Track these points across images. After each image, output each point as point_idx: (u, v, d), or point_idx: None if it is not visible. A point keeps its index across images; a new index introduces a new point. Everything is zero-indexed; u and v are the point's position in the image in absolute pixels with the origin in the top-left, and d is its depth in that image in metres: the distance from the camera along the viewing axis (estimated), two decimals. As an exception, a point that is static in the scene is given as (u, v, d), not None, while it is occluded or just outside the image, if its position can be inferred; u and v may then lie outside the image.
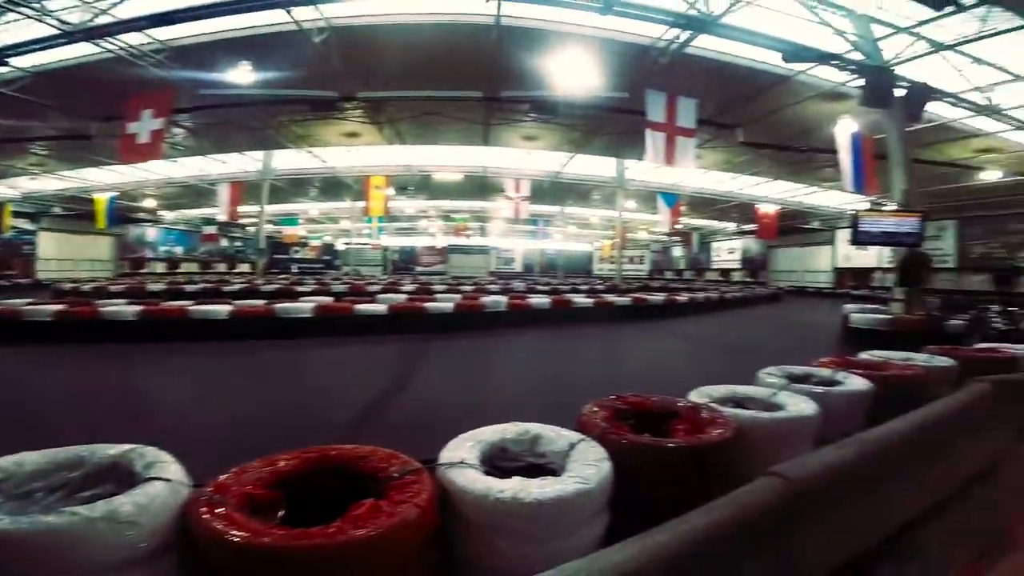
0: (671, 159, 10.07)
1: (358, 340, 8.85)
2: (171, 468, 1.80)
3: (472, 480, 1.87)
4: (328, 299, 11.43)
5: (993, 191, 18.89)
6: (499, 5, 8.55)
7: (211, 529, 1.55)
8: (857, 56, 9.28)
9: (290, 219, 29.18)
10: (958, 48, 9.20)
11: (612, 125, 14.16)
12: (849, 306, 10.70)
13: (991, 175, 16.36)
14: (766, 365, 3.64)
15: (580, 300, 12.99)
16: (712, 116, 12.41)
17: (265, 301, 10.34)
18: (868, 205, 13.92)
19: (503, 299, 11.84)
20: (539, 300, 12.43)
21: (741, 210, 27.11)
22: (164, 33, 9.53)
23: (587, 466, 1.95)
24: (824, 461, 1.85)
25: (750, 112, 12.78)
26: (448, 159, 21.11)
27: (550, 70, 10.77)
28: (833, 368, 3.30)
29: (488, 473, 2.00)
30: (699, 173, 20.98)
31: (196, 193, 24.44)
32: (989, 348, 4.42)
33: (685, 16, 8.16)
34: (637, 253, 42.20)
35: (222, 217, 19.87)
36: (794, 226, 29.03)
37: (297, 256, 37.42)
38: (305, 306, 9.59)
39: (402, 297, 12.79)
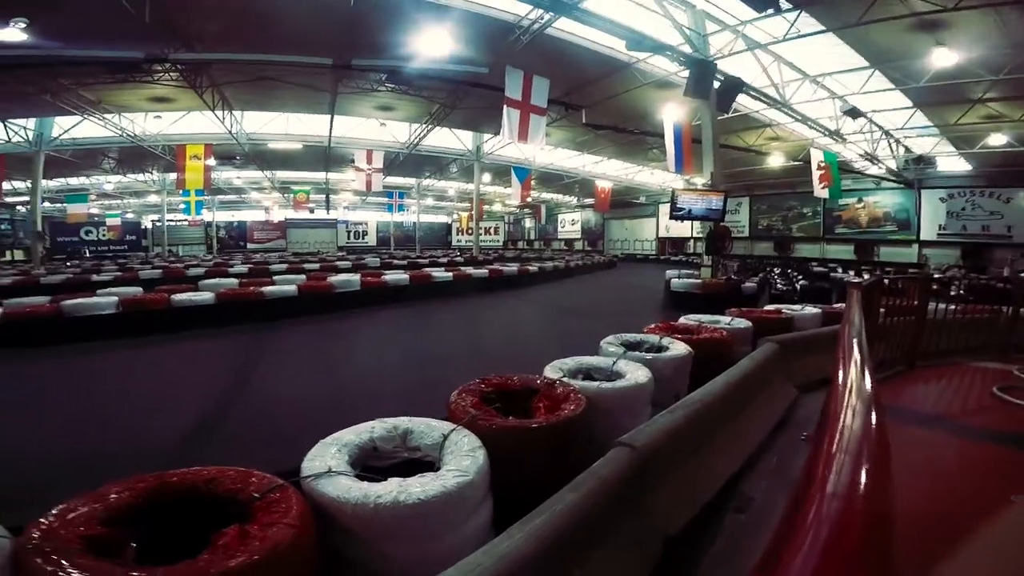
0: (524, 135, 10.43)
1: (182, 336, 7.60)
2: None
3: (345, 488, 1.78)
4: (135, 290, 9.53)
5: (776, 173, 23.49)
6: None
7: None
8: (687, 49, 10.41)
9: (78, 196, 23.58)
10: (769, 47, 10.91)
11: (471, 99, 14.10)
12: (670, 272, 12.53)
13: (776, 159, 20.16)
14: (607, 326, 4.10)
15: (440, 274, 12.95)
16: (560, 96, 13.04)
17: (49, 298, 8.26)
18: (682, 184, 16.30)
19: (355, 277, 11.16)
20: (396, 277, 11.99)
21: (582, 186, 29.53)
22: None
23: (463, 457, 2.02)
24: (660, 428, 2.20)
25: (594, 95, 13.81)
26: (286, 128, 19.02)
27: (410, 40, 10.26)
28: (659, 334, 3.89)
29: (362, 477, 1.94)
30: (547, 149, 22.18)
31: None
32: (774, 310, 5.61)
33: None
34: (493, 224, 43.43)
35: (-23, 197, 15.29)
36: (625, 200, 32.70)
37: (91, 238, 30.61)
38: (106, 300, 7.89)
39: (233, 282, 11.23)
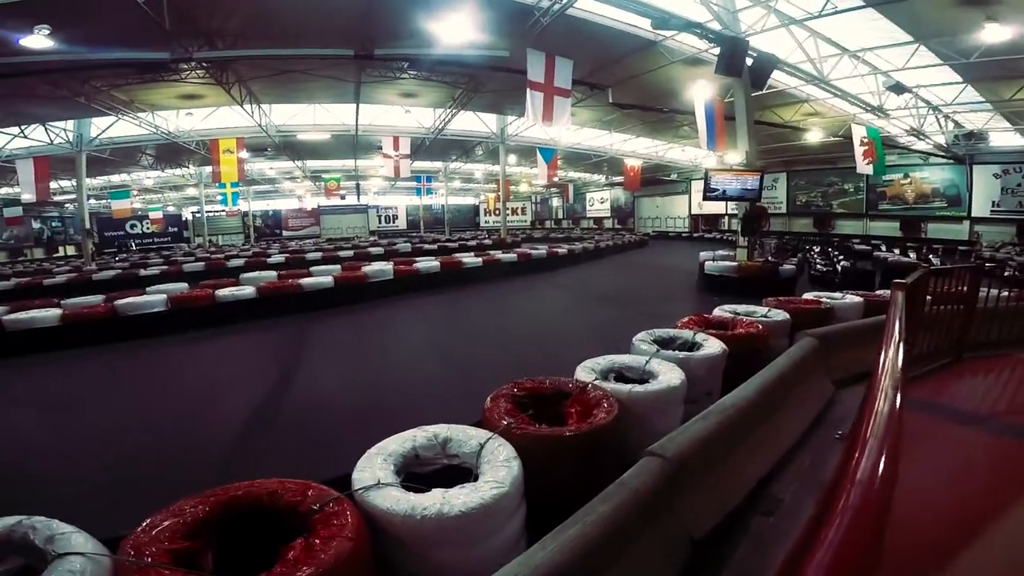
0: (549, 118, 10.26)
1: (228, 331, 7.95)
2: (77, 539, 1.61)
3: (395, 500, 1.90)
4: (181, 286, 9.97)
5: (815, 149, 22.47)
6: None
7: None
8: (716, 26, 9.99)
9: (121, 192, 24.67)
10: (805, 23, 10.38)
11: (494, 83, 13.92)
12: (704, 254, 12.25)
13: (814, 135, 19.26)
14: (639, 313, 4.04)
15: (469, 260, 13.02)
16: (584, 77, 12.76)
17: (103, 297, 8.70)
18: (715, 160, 15.78)
19: (388, 267, 11.27)
20: (427, 264, 12.08)
21: (610, 164, 28.89)
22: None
23: (499, 467, 2.11)
24: (692, 435, 2.23)
25: (619, 74, 13.40)
26: (313, 118, 19.29)
27: (429, 27, 10.16)
28: (693, 329, 3.87)
29: (406, 486, 2.05)
30: (573, 129, 21.77)
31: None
32: (813, 299, 5.44)
33: None
34: (519, 204, 43.20)
35: (28, 197, 16.18)
36: (655, 178, 31.89)
37: (136, 232, 32.07)
38: (156, 299, 8.27)
39: (272, 275, 11.27)
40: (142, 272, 14.49)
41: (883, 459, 1.07)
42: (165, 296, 8.39)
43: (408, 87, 15.29)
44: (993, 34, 9.72)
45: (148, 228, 32.75)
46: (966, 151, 20.59)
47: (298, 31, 10.35)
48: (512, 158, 26.38)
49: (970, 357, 4.54)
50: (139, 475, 3.42)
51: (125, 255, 24.71)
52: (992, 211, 21.11)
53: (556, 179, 28.27)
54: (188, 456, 3.72)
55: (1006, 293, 4.82)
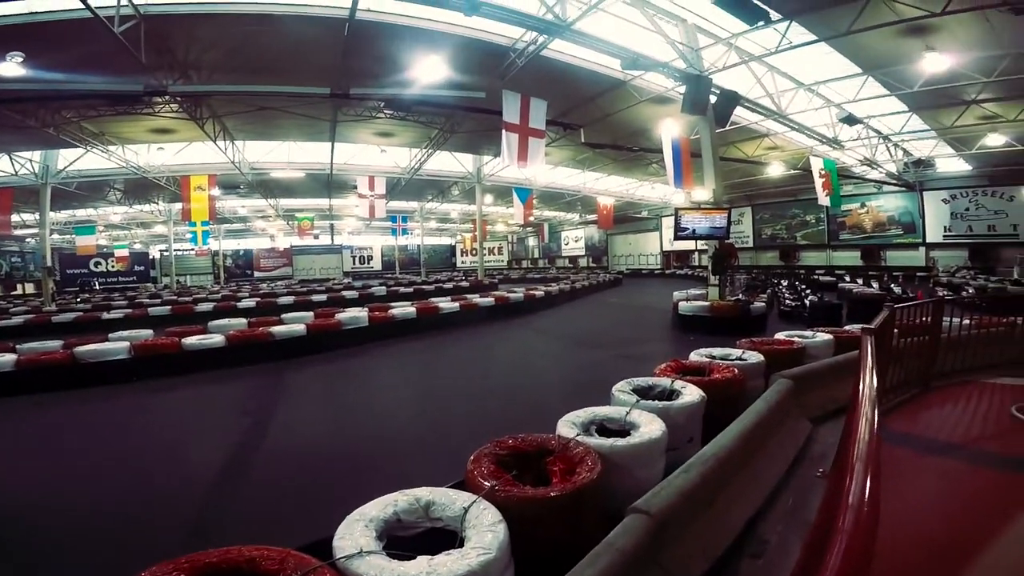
0: (524, 159, 10.44)
1: (194, 380, 7.61)
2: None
3: (379, 569, 1.82)
4: (146, 332, 9.59)
5: (777, 182, 23.59)
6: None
7: None
8: (681, 65, 10.50)
9: (86, 227, 23.97)
10: (763, 59, 11.06)
11: (470, 123, 14.32)
12: (677, 294, 12.50)
13: (776, 169, 20.27)
14: (618, 356, 4.02)
15: (446, 305, 12.85)
16: (558, 117, 13.27)
17: (62, 343, 8.37)
18: (683, 197, 16.38)
19: (363, 313, 10.93)
20: (403, 311, 11.83)
21: (584, 203, 29.72)
22: None
23: (485, 531, 2.04)
24: (676, 489, 2.22)
25: (591, 114, 14.02)
26: (288, 156, 19.35)
27: (406, 67, 10.45)
28: (671, 376, 3.89)
29: (390, 553, 1.97)
30: (548, 169, 22.42)
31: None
32: (786, 340, 5.58)
33: (543, 20, 8.52)
34: (496, 244, 43.71)
35: (-19, 231, 15.56)
36: (627, 216, 32.88)
37: (100, 270, 31.05)
38: (117, 347, 7.91)
39: (242, 322, 10.79)
40: (104, 315, 13.98)
41: (868, 487, 1.11)
42: (128, 344, 8.03)
43: (384, 127, 15.58)
44: (933, 63, 10.54)
45: (113, 266, 31.83)
46: (916, 178, 21.93)
47: (275, 68, 10.52)
48: (488, 198, 26.84)
49: (938, 385, 4.70)
50: (99, 536, 3.19)
51: (88, 295, 23.81)
52: (945, 236, 22.34)
53: (532, 219, 28.78)
54: (154, 515, 3.49)
55: (967, 321, 5.04)
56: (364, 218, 24.04)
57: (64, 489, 3.96)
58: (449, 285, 23.20)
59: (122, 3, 7.49)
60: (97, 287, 29.17)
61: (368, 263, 40.35)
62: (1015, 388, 4.61)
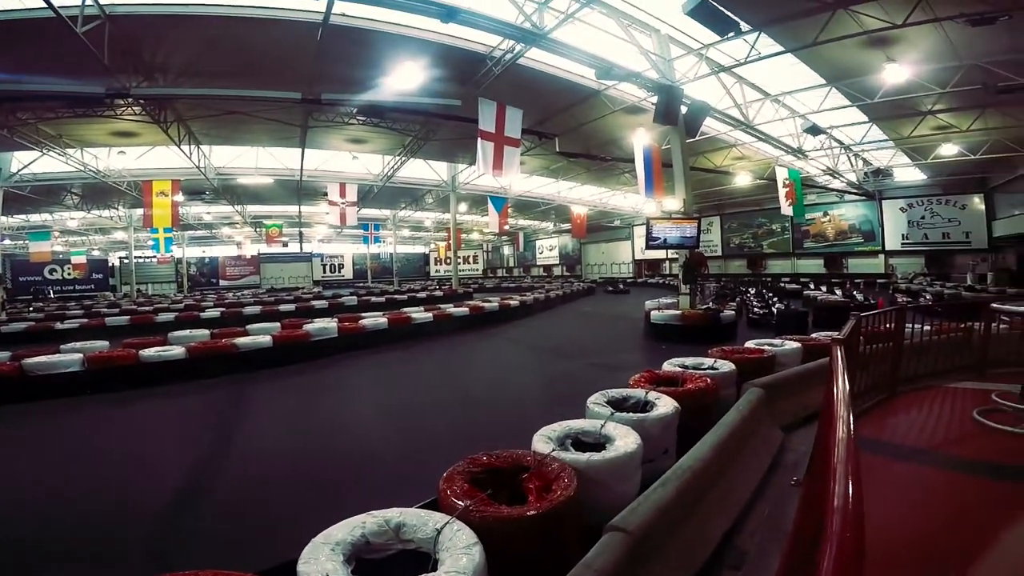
0: (499, 167, 10.37)
1: (153, 393, 7.22)
2: None
3: None
4: (102, 344, 9.15)
5: (744, 192, 24.23)
6: (329, 3, 7.69)
7: None
8: (653, 75, 10.63)
9: (40, 233, 22.77)
10: (732, 69, 11.27)
11: (445, 131, 14.23)
12: (649, 303, 12.64)
13: (743, 179, 20.79)
14: (592, 365, 3.99)
15: (419, 316, 12.60)
16: (533, 126, 13.27)
17: (9, 355, 7.83)
18: (654, 207, 16.65)
19: (332, 324, 10.59)
20: (375, 321, 11.49)
21: (558, 211, 29.95)
22: None
23: (460, 554, 1.94)
24: (653, 504, 2.18)
25: (566, 123, 14.11)
26: (256, 162, 18.85)
27: (380, 74, 10.30)
28: (645, 387, 3.89)
29: (358, 577, 1.87)
30: (523, 177, 22.49)
31: None
32: (756, 348, 5.70)
33: (521, 29, 8.49)
34: (471, 253, 43.53)
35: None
36: (600, 225, 33.30)
37: (55, 277, 29.53)
38: (70, 358, 7.48)
39: (204, 333, 10.27)
40: (59, 325, 13.26)
41: (851, 489, 1.10)
42: (81, 356, 7.59)
43: (356, 133, 15.35)
44: (893, 74, 11.01)
45: (69, 274, 30.33)
46: (875, 187, 22.88)
47: (245, 71, 10.24)
48: (463, 206, 26.74)
49: (904, 390, 4.83)
50: (43, 565, 2.99)
51: (41, 304, 22.58)
52: (903, 244, 23.35)
53: (507, 227, 28.78)
54: (104, 539, 3.26)
55: (928, 327, 5.22)
56: (335, 226, 23.64)
57: (2, 515, 3.65)
58: (423, 294, 22.93)
59: (87, 3, 7.17)
60: (52, 295, 27.73)
61: (339, 272, 39.58)
62: (976, 392, 4.77)
